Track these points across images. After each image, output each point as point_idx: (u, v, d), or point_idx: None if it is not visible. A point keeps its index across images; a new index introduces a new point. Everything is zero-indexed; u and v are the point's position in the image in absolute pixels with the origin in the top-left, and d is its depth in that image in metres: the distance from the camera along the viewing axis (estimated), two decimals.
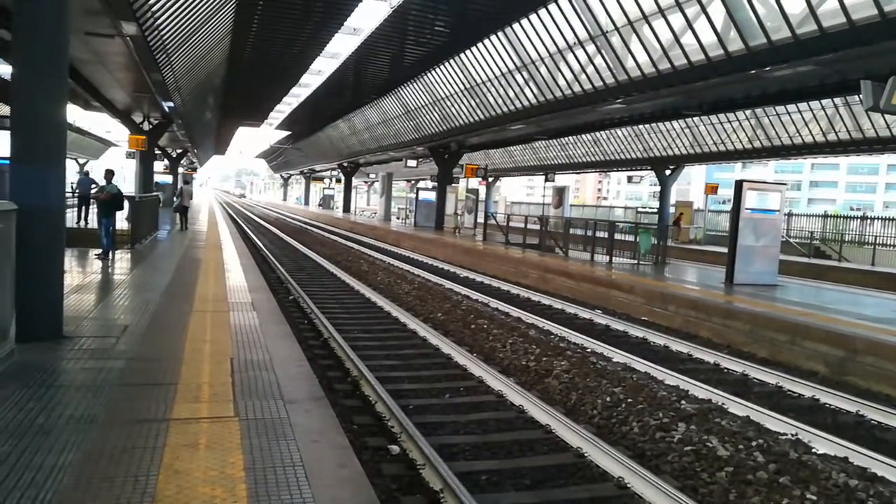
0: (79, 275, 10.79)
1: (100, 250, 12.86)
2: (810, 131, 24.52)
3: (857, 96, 15.70)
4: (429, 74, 28.23)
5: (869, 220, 26.36)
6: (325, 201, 64.51)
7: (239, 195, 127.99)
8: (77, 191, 19.83)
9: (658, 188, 33.57)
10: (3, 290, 5.40)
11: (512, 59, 21.85)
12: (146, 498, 3.26)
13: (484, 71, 23.91)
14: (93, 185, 20.57)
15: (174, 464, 3.65)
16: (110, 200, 13.12)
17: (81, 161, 50.96)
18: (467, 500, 4.29)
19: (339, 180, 59.22)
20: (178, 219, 23.05)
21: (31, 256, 5.92)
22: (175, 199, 23.57)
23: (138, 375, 5.32)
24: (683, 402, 6.91)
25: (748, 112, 25.23)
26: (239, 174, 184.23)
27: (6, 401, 4.50)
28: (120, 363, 5.60)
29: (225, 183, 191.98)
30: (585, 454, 5.41)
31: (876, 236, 24.59)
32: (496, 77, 23.46)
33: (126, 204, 14.06)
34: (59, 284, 6.46)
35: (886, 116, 20.40)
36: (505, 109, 24.21)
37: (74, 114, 34.37)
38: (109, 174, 13.88)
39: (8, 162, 6.22)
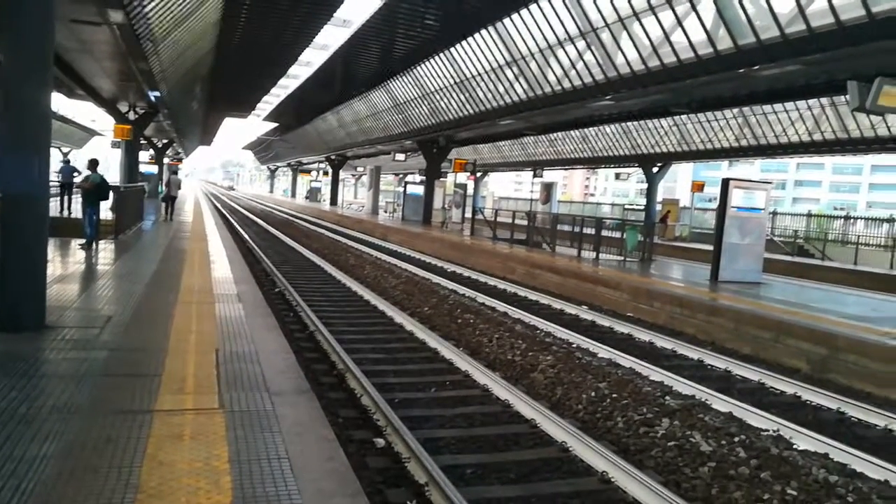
0: (62, 264, 10.68)
1: (83, 240, 12.73)
2: (796, 131, 24.71)
3: (843, 96, 15.84)
4: (418, 68, 28.14)
5: (852, 220, 26.65)
6: (313, 194, 64.24)
7: (227, 187, 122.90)
8: (59, 179, 19.61)
9: (645, 185, 33.73)
10: None
11: (502, 54, 21.83)
12: (130, 489, 3.24)
13: (474, 65, 23.87)
14: (75, 174, 20.38)
15: (158, 455, 3.63)
16: (94, 189, 13.00)
17: (65, 150, 50.46)
18: (452, 494, 4.30)
19: (326, 173, 58.98)
20: (164, 208, 23.01)
21: (13, 245, 5.86)
22: (162, 188, 23.64)
23: (122, 366, 5.29)
24: (667, 397, 6.97)
25: (735, 111, 25.38)
26: (225, 165, 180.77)
27: None
28: (103, 353, 5.56)
29: (211, 174, 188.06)
30: (570, 448, 5.44)
31: (859, 236, 24.86)
32: (486, 72, 23.42)
33: (110, 193, 13.93)
34: (42, 274, 6.38)
35: (871, 117, 20.60)
36: (494, 104, 24.19)
37: (59, 102, 33.98)
38: (93, 163, 13.75)
39: None
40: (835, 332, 8.88)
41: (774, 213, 28.19)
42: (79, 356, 5.44)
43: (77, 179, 20.34)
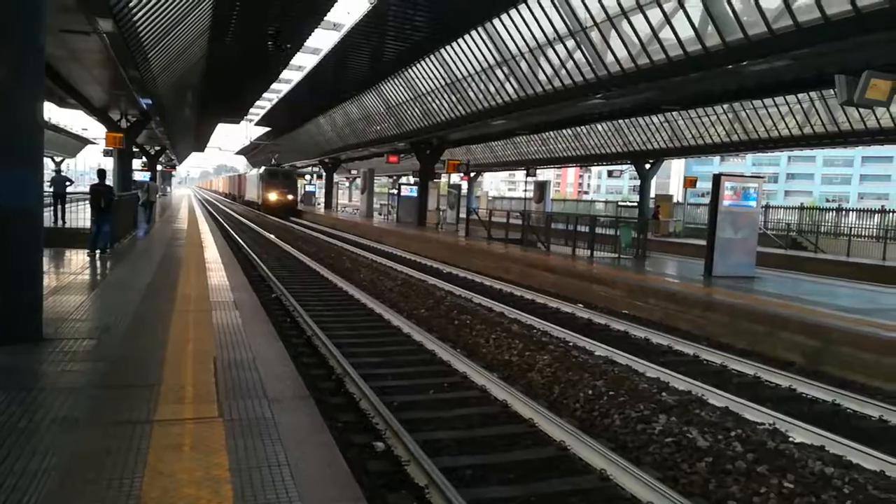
0: (57, 276, 10.65)
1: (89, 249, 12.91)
2: (787, 125, 24.82)
3: (832, 90, 15.92)
4: (409, 70, 28.16)
5: (844, 212, 26.75)
6: (307, 198, 64.13)
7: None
8: (51, 189, 19.56)
9: (638, 182, 33.83)
10: None
11: (492, 55, 21.88)
12: (131, 500, 3.26)
13: (465, 66, 23.92)
14: (67, 184, 20.38)
15: (158, 465, 3.65)
16: (92, 199, 13.13)
17: (58, 159, 50.29)
18: (452, 496, 4.34)
19: (320, 176, 58.88)
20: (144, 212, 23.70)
21: (8, 259, 5.86)
22: (142, 194, 24.36)
23: (120, 377, 5.29)
24: (664, 394, 7.02)
25: (726, 106, 25.51)
26: (219, 170, 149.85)
27: None
28: (101, 365, 5.56)
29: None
30: (568, 447, 5.48)
31: (851, 227, 24.96)
32: (477, 72, 23.46)
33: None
34: (39, 286, 6.39)
35: (860, 110, 20.71)
36: (486, 105, 24.24)
37: (50, 111, 33.90)
38: (99, 173, 13.85)
39: None
40: (828, 325, 8.95)
41: (767, 207, 28.27)
42: (77, 368, 5.45)
43: (70, 189, 20.42)
